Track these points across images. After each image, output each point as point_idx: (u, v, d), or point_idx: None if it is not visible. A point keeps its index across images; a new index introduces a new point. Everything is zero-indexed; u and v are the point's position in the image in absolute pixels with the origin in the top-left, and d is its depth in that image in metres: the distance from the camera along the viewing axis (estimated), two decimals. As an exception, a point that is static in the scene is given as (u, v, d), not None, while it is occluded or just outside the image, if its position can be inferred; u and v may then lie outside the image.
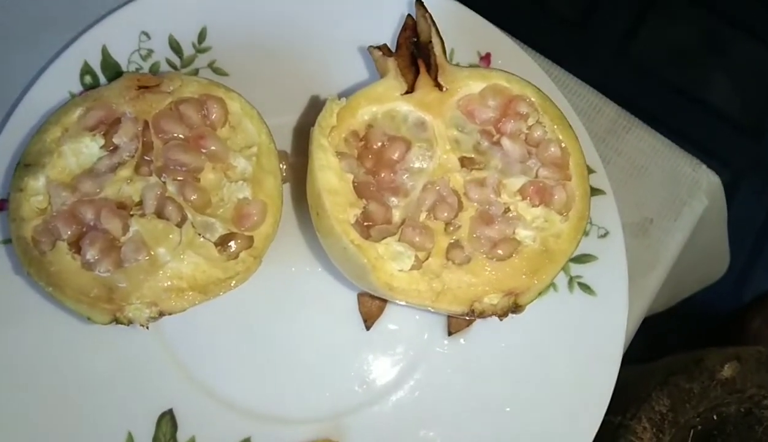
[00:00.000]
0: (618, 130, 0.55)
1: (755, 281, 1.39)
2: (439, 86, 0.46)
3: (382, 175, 0.44)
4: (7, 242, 0.47)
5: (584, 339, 0.48)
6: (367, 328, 0.48)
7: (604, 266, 0.49)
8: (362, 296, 0.48)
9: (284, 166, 0.49)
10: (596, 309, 0.48)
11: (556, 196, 0.44)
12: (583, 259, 0.49)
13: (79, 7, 0.55)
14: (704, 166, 0.55)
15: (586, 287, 0.49)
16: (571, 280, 0.49)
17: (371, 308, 0.48)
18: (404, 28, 0.48)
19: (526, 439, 0.47)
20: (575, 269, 0.49)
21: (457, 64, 0.51)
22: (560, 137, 0.45)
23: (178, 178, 0.44)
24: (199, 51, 0.52)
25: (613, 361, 0.48)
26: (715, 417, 0.52)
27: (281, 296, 0.49)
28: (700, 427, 0.51)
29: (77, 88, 0.50)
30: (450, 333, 0.48)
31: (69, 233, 0.43)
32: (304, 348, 0.48)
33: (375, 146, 0.45)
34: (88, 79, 0.51)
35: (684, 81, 1.48)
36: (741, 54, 1.51)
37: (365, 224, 0.43)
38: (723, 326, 1.35)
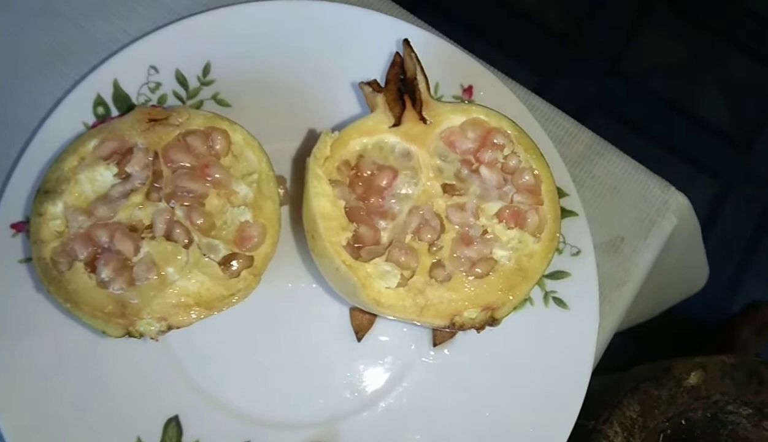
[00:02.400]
0: (591, 155, 0.59)
1: (744, 290, 1.41)
2: (423, 120, 0.50)
3: (372, 200, 0.48)
4: (28, 260, 0.51)
5: (558, 349, 0.52)
6: (359, 340, 0.52)
7: (576, 282, 0.53)
8: (354, 310, 0.52)
9: (282, 191, 0.53)
10: (569, 322, 0.52)
11: (529, 220, 0.48)
12: (557, 275, 0.53)
13: (90, 38, 0.59)
14: (673, 188, 0.59)
15: (560, 302, 0.53)
16: (546, 295, 0.53)
17: (362, 321, 0.52)
18: (392, 65, 0.53)
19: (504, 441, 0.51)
20: (550, 284, 0.53)
21: (440, 99, 0.55)
22: (533, 166, 0.49)
23: (185, 203, 0.48)
24: (204, 84, 0.56)
25: (585, 368, 0.51)
26: (683, 422, 0.55)
27: (279, 310, 0.53)
28: (669, 431, 0.54)
29: (90, 118, 0.54)
30: (435, 344, 0.52)
31: (85, 254, 0.47)
32: (300, 358, 0.52)
33: (365, 174, 0.49)
34: (100, 110, 0.55)
35: (675, 94, 1.50)
36: (731, 67, 1.53)
37: (356, 245, 0.47)
38: (712, 335, 1.38)
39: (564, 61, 1.48)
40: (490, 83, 0.56)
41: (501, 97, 0.56)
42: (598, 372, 0.54)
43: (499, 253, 0.48)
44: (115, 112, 0.55)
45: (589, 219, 0.54)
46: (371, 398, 0.52)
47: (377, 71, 0.55)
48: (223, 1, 0.59)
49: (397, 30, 0.56)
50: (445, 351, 0.52)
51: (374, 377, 0.52)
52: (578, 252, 0.53)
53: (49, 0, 0.60)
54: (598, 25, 1.53)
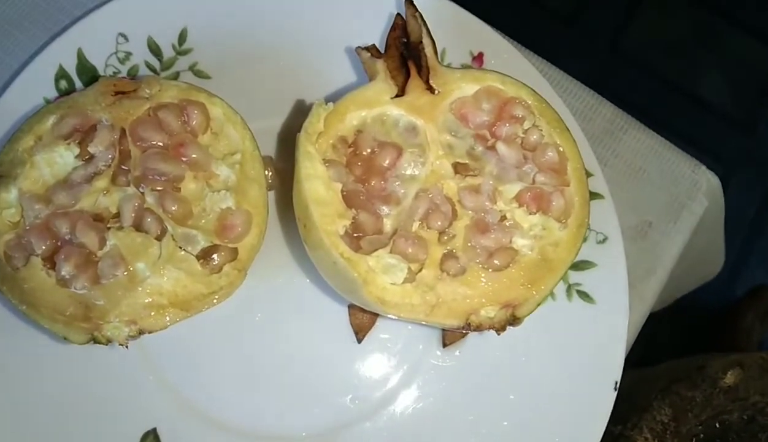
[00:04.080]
0: (615, 130, 0.53)
1: (747, 275, 1.39)
2: (430, 89, 0.44)
3: (372, 183, 0.42)
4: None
5: (584, 349, 0.47)
6: (359, 341, 0.47)
7: (603, 272, 0.48)
8: (353, 307, 0.47)
9: (269, 173, 0.47)
10: (596, 318, 0.47)
11: (554, 203, 0.42)
12: (581, 266, 0.47)
13: (54, 7, 0.53)
14: (704, 167, 0.54)
15: (585, 295, 0.47)
16: (569, 288, 0.47)
17: (362, 320, 0.46)
18: (393, 28, 0.46)
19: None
20: (573, 276, 0.47)
21: (449, 65, 0.49)
22: (557, 141, 0.44)
23: (158, 188, 0.42)
24: (180, 53, 0.50)
25: (614, 370, 0.46)
26: (717, 425, 0.50)
27: (268, 309, 0.47)
28: (702, 435, 0.49)
29: (52, 93, 0.48)
30: (445, 345, 0.46)
31: (43, 247, 0.41)
32: (293, 363, 0.47)
33: (364, 153, 0.43)
34: (63, 84, 0.49)
35: (676, 75, 1.48)
36: (733, 48, 1.52)
37: (355, 234, 0.41)
38: (716, 320, 1.35)
39: (564, 42, 1.46)
40: (503, 50, 0.51)
41: (515, 66, 0.50)
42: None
43: (519, 242, 0.42)
44: (80, 85, 0.49)
45: (615, 202, 0.49)
46: (374, 406, 0.46)
47: (376, 35, 0.49)
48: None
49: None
50: (456, 352, 0.47)
51: (377, 383, 0.47)
52: (605, 239, 0.48)
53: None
54: (597, 5, 1.50)
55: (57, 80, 0.48)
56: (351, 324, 0.47)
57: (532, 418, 0.46)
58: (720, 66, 1.49)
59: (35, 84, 0.48)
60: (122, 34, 0.49)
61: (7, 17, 0.53)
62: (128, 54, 0.49)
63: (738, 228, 1.39)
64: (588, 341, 0.47)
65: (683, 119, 1.45)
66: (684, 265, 0.59)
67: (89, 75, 0.49)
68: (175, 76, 0.50)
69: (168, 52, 0.50)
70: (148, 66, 0.50)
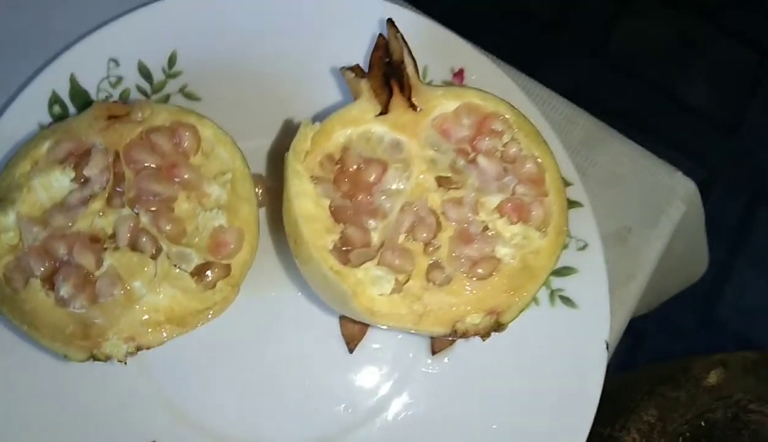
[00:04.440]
0: (593, 141, 0.55)
1: (736, 275, 1.39)
2: (413, 106, 0.45)
3: (359, 198, 0.44)
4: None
5: (568, 352, 0.48)
6: (351, 350, 0.48)
7: (584, 278, 0.49)
8: (344, 319, 0.48)
9: (260, 191, 0.48)
10: (579, 321, 0.48)
11: (533, 213, 0.44)
12: (563, 272, 0.49)
13: (45, 28, 0.54)
14: (680, 173, 0.55)
15: (567, 300, 0.49)
16: (552, 293, 0.49)
17: (353, 330, 0.47)
18: (376, 48, 0.48)
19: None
20: (556, 282, 0.49)
21: (430, 83, 0.51)
22: (535, 153, 0.45)
23: (152, 208, 0.43)
24: (170, 76, 0.51)
25: (598, 372, 0.48)
26: (702, 423, 0.52)
27: (261, 322, 0.48)
28: (688, 434, 0.51)
29: (46, 119, 0.50)
30: (433, 352, 0.48)
31: (42, 269, 0.42)
32: (287, 374, 0.48)
33: (351, 169, 0.44)
34: (57, 109, 0.50)
35: (659, 79, 1.49)
36: (715, 51, 1.53)
37: (344, 248, 0.42)
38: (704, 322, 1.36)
39: (548, 49, 1.47)
40: (482, 66, 0.52)
41: (494, 81, 0.52)
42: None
43: (502, 251, 0.43)
44: (73, 110, 0.50)
45: (594, 209, 0.50)
46: (367, 414, 0.48)
47: (359, 55, 0.51)
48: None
49: (379, 10, 0.51)
50: (445, 359, 0.48)
51: (369, 391, 0.48)
52: (585, 246, 0.49)
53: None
54: (580, 11, 1.52)
55: (51, 106, 0.50)
56: (342, 335, 0.48)
57: (520, 419, 0.47)
58: (703, 69, 1.51)
59: (29, 110, 0.49)
60: (113, 59, 0.51)
61: (1, 41, 0.54)
62: (119, 78, 0.51)
63: (725, 229, 1.41)
64: (571, 344, 0.48)
65: (668, 123, 1.47)
66: (665, 269, 0.60)
67: (82, 99, 0.50)
68: (166, 99, 0.51)
69: (158, 76, 0.51)
70: (139, 89, 0.51)
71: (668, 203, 0.55)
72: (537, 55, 1.44)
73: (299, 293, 0.49)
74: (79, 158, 0.44)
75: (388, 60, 0.47)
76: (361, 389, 0.48)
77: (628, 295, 0.53)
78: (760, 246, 1.44)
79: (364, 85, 0.46)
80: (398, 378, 0.48)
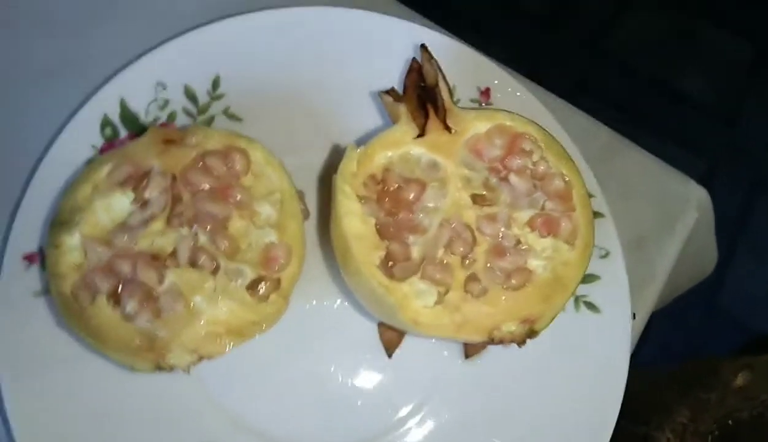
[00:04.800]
0: (610, 152, 0.58)
1: (738, 264, 1.42)
2: (448, 129, 0.49)
3: (400, 215, 0.47)
4: (44, 292, 0.49)
5: (592, 354, 0.51)
6: (389, 355, 0.51)
7: (606, 284, 0.52)
8: (382, 325, 0.51)
9: (302, 207, 0.51)
10: (601, 325, 0.52)
11: (562, 227, 0.47)
12: (587, 279, 0.52)
13: (88, 52, 0.57)
14: (693, 182, 0.59)
15: (591, 306, 0.52)
16: (576, 299, 0.52)
17: (392, 337, 0.51)
18: (410, 72, 0.51)
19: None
20: (580, 288, 0.52)
21: (458, 101, 0.54)
22: (563, 171, 0.48)
23: (208, 228, 0.46)
24: (214, 98, 0.54)
25: (620, 373, 0.51)
26: (730, 423, 0.55)
27: (305, 330, 0.51)
28: (717, 432, 0.54)
29: (98, 140, 0.52)
30: (467, 356, 0.51)
31: (107, 286, 0.45)
32: (331, 378, 0.51)
33: (392, 188, 0.47)
34: (108, 131, 0.53)
35: (658, 74, 1.51)
36: (711, 44, 1.55)
37: (389, 263, 0.46)
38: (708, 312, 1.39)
39: (547, 47, 1.49)
40: (507, 84, 0.55)
41: (519, 98, 0.55)
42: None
43: (534, 263, 0.47)
44: (123, 132, 0.53)
45: (613, 218, 0.54)
46: (405, 417, 0.51)
47: (394, 78, 0.54)
48: (227, 9, 0.56)
49: (409, 32, 0.54)
50: (478, 362, 0.51)
51: (407, 393, 0.51)
52: (607, 254, 0.53)
53: (42, 14, 0.58)
54: (579, 9, 1.53)
55: (102, 128, 0.52)
56: (381, 340, 0.51)
57: (548, 419, 0.50)
58: (700, 62, 1.53)
59: (82, 133, 0.52)
60: (160, 83, 0.54)
61: (47, 66, 0.57)
62: (167, 101, 0.54)
63: (726, 219, 1.43)
64: (596, 347, 0.51)
65: (668, 116, 1.49)
66: (678, 270, 0.63)
67: (132, 122, 0.53)
68: (210, 120, 0.54)
69: (203, 98, 0.54)
70: (186, 111, 0.54)
71: (682, 211, 0.58)
72: (537, 53, 1.47)
73: (341, 301, 0.52)
74: (138, 181, 0.47)
75: (422, 84, 0.50)
76: (399, 392, 0.51)
77: (646, 298, 0.56)
78: (760, 235, 1.47)
79: (402, 109, 0.49)
80: (433, 381, 0.51)
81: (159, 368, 0.44)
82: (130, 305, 0.44)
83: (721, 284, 1.44)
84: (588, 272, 0.52)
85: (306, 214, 0.52)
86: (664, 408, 0.55)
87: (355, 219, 0.45)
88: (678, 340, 1.37)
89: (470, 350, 0.51)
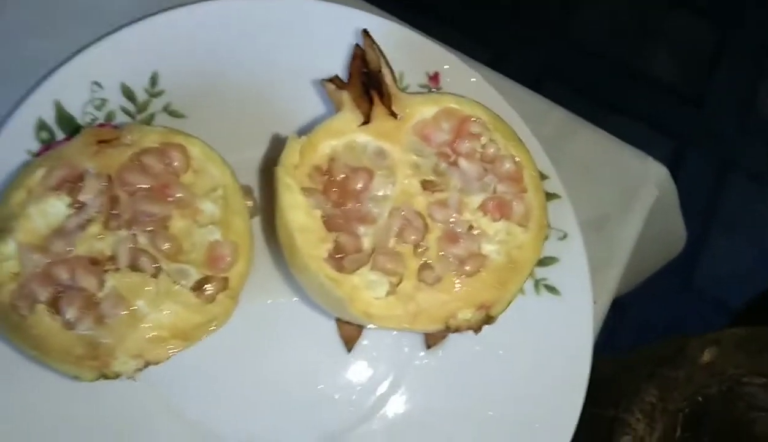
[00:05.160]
0: (566, 133, 0.57)
1: (711, 242, 1.43)
2: (393, 114, 0.47)
3: (348, 206, 0.45)
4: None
5: (554, 337, 0.50)
6: (349, 350, 0.50)
7: (566, 266, 0.51)
8: (340, 320, 0.50)
9: (250, 203, 0.50)
10: (562, 307, 0.51)
11: (514, 209, 0.46)
12: (546, 262, 0.51)
13: (24, 58, 0.54)
14: (650, 159, 0.58)
15: (551, 288, 0.51)
16: (536, 283, 0.51)
17: (350, 331, 0.49)
18: (353, 59, 0.50)
19: (512, 440, 0.49)
20: (539, 271, 0.51)
21: (405, 89, 0.52)
22: (513, 152, 0.47)
23: (148, 228, 0.45)
24: (153, 95, 0.52)
25: (585, 355, 0.50)
26: (700, 399, 0.55)
27: (260, 329, 0.50)
28: (687, 410, 0.54)
29: (35, 145, 0.50)
30: (428, 346, 0.50)
31: (46, 294, 0.43)
32: (289, 377, 0.50)
33: (338, 179, 0.46)
34: (44, 135, 0.51)
35: (623, 56, 1.52)
36: (674, 26, 1.55)
37: (337, 256, 0.44)
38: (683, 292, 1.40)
39: (510, 35, 1.49)
40: (456, 68, 0.54)
41: (469, 82, 0.54)
42: (595, 355, 0.52)
43: (487, 247, 0.46)
44: (60, 135, 0.51)
45: (571, 199, 0.53)
46: (369, 410, 0.50)
47: (338, 65, 0.52)
48: (163, 3, 0.55)
49: (353, 20, 0.53)
50: (439, 352, 0.50)
51: (369, 387, 0.50)
52: (565, 236, 0.52)
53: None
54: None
55: (38, 132, 0.50)
56: (340, 336, 0.50)
57: (515, 404, 0.50)
58: (665, 45, 1.54)
59: (17, 138, 0.50)
60: (96, 83, 0.52)
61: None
62: (104, 100, 0.52)
63: (697, 198, 1.44)
64: (558, 329, 0.50)
65: (634, 99, 1.50)
66: (643, 251, 0.63)
67: (68, 124, 0.51)
68: (151, 117, 0.52)
69: (141, 96, 0.52)
70: (124, 110, 0.52)
71: (641, 189, 0.57)
72: (502, 40, 1.47)
73: (295, 298, 0.51)
74: (72, 184, 0.45)
75: (366, 70, 0.49)
76: (361, 387, 0.50)
77: (608, 278, 0.55)
78: (730, 212, 1.48)
79: (345, 96, 0.47)
80: (395, 373, 0.50)
81: (104, 376, 0.43)
82: (71, 313, 0.43)
83: (695, 264, 1.45)
84: (546, 254, 0.51)
85: (255, 210, 0.51)
86: (632, 390, 0.54)
87: (299, 212, 0.44)
88: (658, 323, 1.38)
89: (431, 340, 0.50)
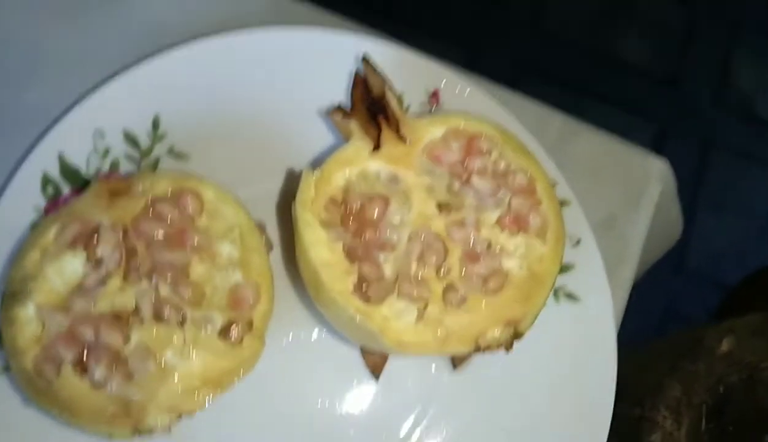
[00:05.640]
0: (567, 137, 0.58)
1: (699, 220, 1.45)
2: (402, 139, 0.47)
3: (367, 235, 0.45)
4: (6, 369, 0.46)
5: (579, 342, 0.51)
6: (376, 378, 0.50)
7: (582, 271, 0.52)
8: (365, 349, 0.50)
9: (264, 238, 0.50)
10: (583, 312, 0.51)
11: (531, 221, 0.46)
12: (562, 269, 0.51)
13: (21, 111, 0.54)
14: (652, 156, 0.59)
15: (570, 295, 0.51)
16: (555, 291, 0.51)
17: (376, 359, 0.49)
18: (355, 86, 0.50)
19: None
20: (558, 280, 0.51)
21: (408, 108, 0.53)
22: (523, 165, 0.48)
23: (168, 277, 0.44)
24: (156, 139, 0.52)
25: (611, 353, 0.50)
26: (721, 389, 0.55)
27: (287, 367, 0.49)
28: (710, 401, 0.54)
29: (41, 201, 0.50)
30: (455, 366, 0.50)
31: (71, 355, 0.43)
32: (320, 410, 0.49)
33: (355, 209, 0.46)
34: (50, 189, 0.50)
35: (597, 44, 1.53)
36: (645, 11, 1.57)
37: (362, 286, 0.44)
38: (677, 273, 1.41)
39: (483, 31, 1.49)
40: (454, 84, 0.54)
41: (469, 96, 0.54)
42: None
43: (508, 263, 0.46)
44: (66, 188, 0.50)
45: (578, 203, 0.53)
46: (404, 437, 0.49)
47: (338, 92, 0.52)
48: (157, 44, 0.54)
49: (347, 45, 0.53)
50: (467, 372, 0.50)
51: (401, 414, 0.50)
52: (578, 241, 0.52)
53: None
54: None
55: (44, 187, 0.50)
56: (366, 364, 0.50)
57: (545, 416, 0.50)
58: (636, 29, 1.56)
59: (23, 196, 0.49)
60: (98, 131, 0.51)
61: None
62: (107, 149, 0.51)
63: (683, 179, 1.46)
64: (581, 335, 0.51)
65: (612, 86, 1.51)
66: (649, 243, 0.63)
67: (73, 176, 0.50)
68: (156, 162, 0.52)
69: (144, 141, 0.52)
70: (129, 157, 0.51)
71: (646, 186, 0.58)
72: (475, 38, 1.48)
73: (317, 330, 0.50)
74: (87, 239, 0.45)
75: (369, 96, 0.49)
76: (392, 414, 0.50)
77: (623, 277, 0.56)
78: (717, 190, 1.50)
79: (353, 125, 0.47)
80: (425, 397, 0.50)
81: (138, 432, 0.42)
82: (99, 372, 0.42)
83: (687, 245, 1.46)
84: (563, 261, 0.51)
85: (269, 246, 0.51)
86: (655, 386, 0.55)
87: (321, 248, 0.44)
88: (656, 308, 1.39)
89: (457, 360, 0.50)
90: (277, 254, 0.51)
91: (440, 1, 1.49)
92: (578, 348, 0.51)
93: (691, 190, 1.48)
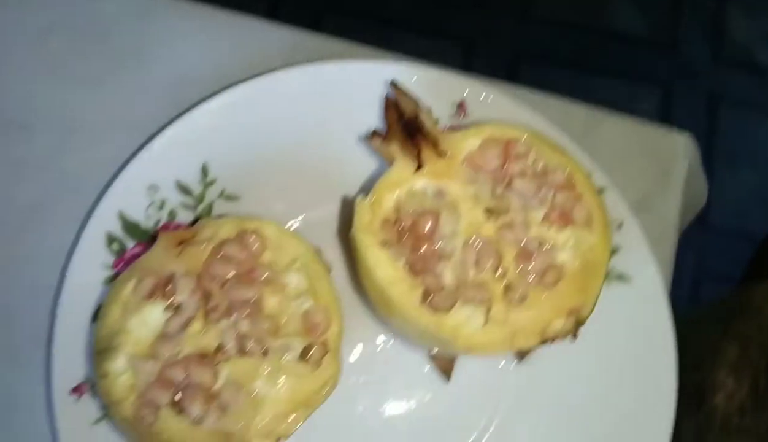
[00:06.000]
0: (592, 126, 0.60)
1: (714, 179, 1.46)
2: (442, 154, 0.50)
3: (424, 249, 0.48)
4: (101, 419, 0.49)
5: (635, 321, 0.53)
6: (448, 380, 0.52)
7: (628, 252, 0.54)
8: (433, 353, 0.52)
9: (324, 261, 0.52)
10: (635, 292, 0.53)
11: (576, 215, 0.49)
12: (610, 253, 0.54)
13: (66, 181, 0.57)
14: (675, 132, 0.61)
15: (620, 276, 0.54)
16: (606, 274, 0.54)
17: (445, 362, 0.52)
18: (387, 109, 0.52)
19: (617, 435, 0.52)
20: (606, 264, 0.54)
21: (437, 123, 0.55)
22: (559, 162, 0.50)
23: (246, 313, 0.47)
24: (207, 185, 0.55)
25: (666, 327, 0.52)
26: None
27: (361, 380, 0.52)
28: (765, 360, 0.56)
29: (108, 258, 0.53)
30: (519, 359, 0.52)
31: (167, 398, 0.45)
32: (398, 420, 0.52)
33: (408, 226, 0.49)
34: (115, 246, 0.53)
35: (590, 20, 1.55)
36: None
37: (428, 299, 0.47)
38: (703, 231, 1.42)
39: (476, 23, 1.51)
40: (479, 92, 0.57)
41: (495, 102, 0.56)
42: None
43: (561, 256, 0.48)
44: (130, 243, 0.53)
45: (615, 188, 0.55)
46: (479, 434, 0.52)
47: (374, 118, 0.55)
48: (188, 95, 0.57)
49: (372, 72, 0.56)
50: (532, 364, 0.53)
51: (473, 412, 0.52)
52: (621, 224, 0.54)
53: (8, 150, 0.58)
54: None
55: (109, 245, 0.53)
56: (436, 368, 0.52)
57: (611, 400, 0.52)
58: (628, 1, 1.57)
59: (91, 258, 0.52)
60: (152, 186, 0.54)
61: (31, 202, 0.57)
62: (163, 201, 0.54)
63: (695, 138, 1.47)
64: (636, 312, 0.53)
65: (613, 58, 1.53)
66: (682, 215, 0.66)
67: (135, 231, 0.53)
68: (209, 206, 0.55)
69: (196, 188, 0.55)
70: (184, 205, 0.54)
71: (673, 162, 0.60)
72: (466, 35, 1.50)
73: (384, 339, 0.53)
74: (163, 289, 0.48)
75: (402, 118, 0.51)
76: (466, 413, 0.52)
77: (665, 254, 0.58)
78: (728, 143, 1.51)
79: (394, 148, 0.50)
80: (495, 393, 0.52)
81: (241, 460, 0.45)
82: (195, 409, 0.45)
83: (709, 202, 1.47)
84: (609, 245, 0.54)
85: (328, 269, 0.53)
86: (710, 349, 0.57)
87: (385, 267, 0.46)
88: (687, 267, 1.40)
89: (521, 353, 0.52)
90: (336, 275, 0.54)
91: (430, 0, 1.51)
92: (635, 325, 0.53)
93: (704, 148, 1.49)
